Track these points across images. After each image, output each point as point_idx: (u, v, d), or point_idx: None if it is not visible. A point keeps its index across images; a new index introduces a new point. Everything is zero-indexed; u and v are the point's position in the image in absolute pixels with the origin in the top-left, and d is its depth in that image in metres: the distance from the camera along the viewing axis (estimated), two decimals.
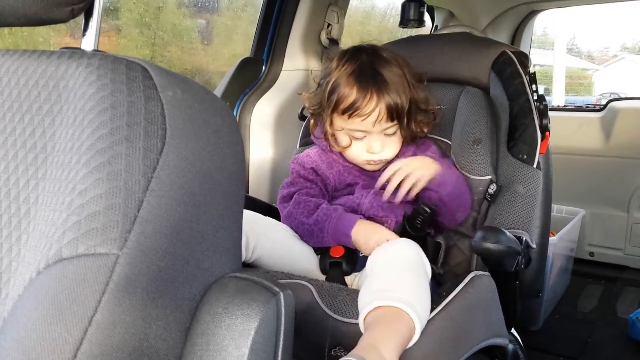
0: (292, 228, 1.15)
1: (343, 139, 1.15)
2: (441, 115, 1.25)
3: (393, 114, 1.08)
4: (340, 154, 1.20)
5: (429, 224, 1.12)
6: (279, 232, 1.13)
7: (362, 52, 1.13)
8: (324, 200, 1.17)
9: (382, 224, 1.13)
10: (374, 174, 1.18)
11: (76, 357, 0.42)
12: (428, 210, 1.08)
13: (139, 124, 0.49)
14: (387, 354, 0.76)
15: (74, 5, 0.56)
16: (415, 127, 1.15)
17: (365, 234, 1.07)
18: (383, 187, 1.10)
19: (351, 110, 1.08)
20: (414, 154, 1.18)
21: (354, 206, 1.15)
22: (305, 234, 1.13)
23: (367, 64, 1.10)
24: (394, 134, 1.13)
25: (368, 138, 1.12)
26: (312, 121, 1.25)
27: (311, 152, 1.25)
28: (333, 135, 1.17)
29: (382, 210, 1.14)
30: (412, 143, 1.19)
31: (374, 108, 1.07)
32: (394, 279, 0.88)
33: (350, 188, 1.20)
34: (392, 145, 1.15)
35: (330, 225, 1.09)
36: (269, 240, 1.08)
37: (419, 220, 1.09)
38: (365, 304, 0.84)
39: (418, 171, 1.07)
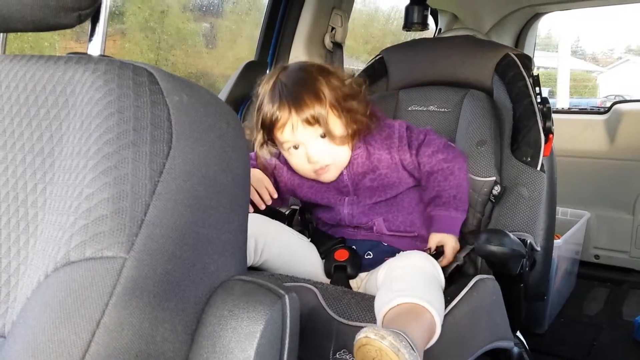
0: None
1: (285, 154, 1.16)
2: (370, 103, 1.19)
3: (310, 119, 1.07)
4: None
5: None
6: (286, 236, 1.14)
7: (277, 70, 1.15)
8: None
9: (371, 228, 1.14)
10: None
11: (84, 359, 0.43)
12: (471, 247, 1.11)
13: (146, 128, 0.50)
14: (416, 341, 0.77)
15: (80, 10, 0.57)
16: (348, 127, 1.12)
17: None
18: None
19: (272, 125, 1.10)
20: (376, 146, 1.16)
21: (338, 219, 1.17)
22: None
23: (279, 80, 1.11)
24: (326, 137, 1.10)
25: (302, 148, 1.11)
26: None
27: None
28: (269, 151, 1.18)
29: (364, 216, 1.14)
30: (357, 139, 1.15)
31: (287, 118, 1.07)
32: (414, 282, 0.90)
33: (312, 194, 1.20)
34: (329, 149, 1.11)
35: None
36: (277, 243, 1.09)
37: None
38: (387, 301, 0.85)
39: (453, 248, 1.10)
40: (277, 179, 1.24)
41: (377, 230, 1.14)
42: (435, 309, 0.84)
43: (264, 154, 1.19)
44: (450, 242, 1.10)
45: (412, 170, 1.16)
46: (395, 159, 1.14)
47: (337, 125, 1.10)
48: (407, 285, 0.88)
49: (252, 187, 1.15)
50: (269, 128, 1.11)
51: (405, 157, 1.15)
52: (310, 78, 1.10)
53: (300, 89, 1.09)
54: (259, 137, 1.15)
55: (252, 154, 1.27)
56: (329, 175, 1.15)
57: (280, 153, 1.21)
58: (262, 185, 1.18)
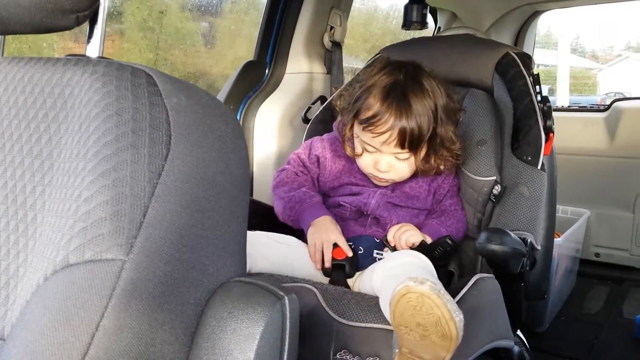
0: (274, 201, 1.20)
1: (357, 146, 1.16)
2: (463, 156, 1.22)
3: (405, 141, 1.07)
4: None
5: (448, 256, 1.12)
6: (274, 249, 1.11)
7: (403, 69, 1.12)
8: (306, 184, 1.21)
9: (385, 224, 1.14)
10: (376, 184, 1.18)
11: None
12: (450, 243, 1.07)
13: (144, 130, 0.50)
14: None
15: (78, 13, 0.57)
16: (434, 162, 1.13)
17: (315, 231, 1.10)
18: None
19: (366, 124, 1.08)
20: (429, 187, 1.19)
21: (361, 205, 1.16)
22: (279, 207, 1.18)
23: (399, 84, 1.09)
24: (406, 159, 1.11)
25: (378, 154, 1.12)
26: (339, 116, 1.23)
27: (328, 137, 1.26)
28: (350, 139, 1.17)
29: (386, 211, 1.15)
30: (428, 176, 1.17)
31: (387, 130, 1.06)
32: (411, 272, 0.89)
33: (345, 187, 1.20)
34: (400, 169, 1.13)
35: (300, 208, 1.14)
36: (266, 260, 1.07)
37: (437, 251, 1.08)
38: (391, 294, 0.80)
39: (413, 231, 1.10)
40: (320, 171, 1.24)
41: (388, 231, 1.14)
42: (439, 283, 0.84)
43: (348, 148, 1.18)
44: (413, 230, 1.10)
45: (436, 198, 1.20)
46: (437, 182, 1.19)
47: (432, 159, 1.12)
48: (406, 275, 0.87)
49: (319, 242, 1.09)
50: (360, 121, 1.10)
51: (443, 187, 1.20)
52: (428, 98, 1.08)
53: (414, 105, 1.06)
54: (351, 124, 1.14)
55: (315, 140, 1.27)
56: (382, 183, 1.17)
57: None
58: (329, 246, 1.08)
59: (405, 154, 1.10)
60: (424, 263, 0.98)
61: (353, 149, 1.17)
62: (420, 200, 1.18)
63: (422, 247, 1.08)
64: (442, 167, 1.15)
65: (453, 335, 0.74)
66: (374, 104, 1.08)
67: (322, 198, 1.23)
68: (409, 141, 1.07)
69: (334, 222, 1.12)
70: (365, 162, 1.15)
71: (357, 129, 1.13)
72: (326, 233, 1.09)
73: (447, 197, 1.21)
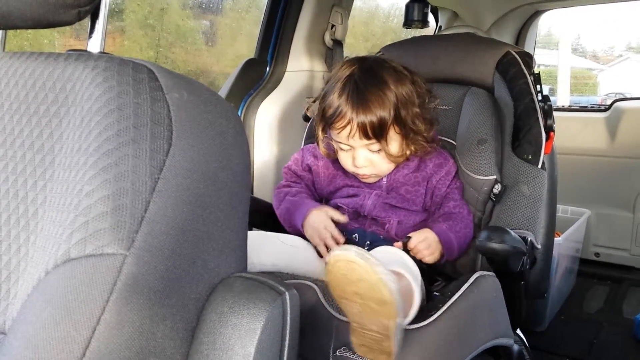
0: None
1: (335, 147, 1.15)
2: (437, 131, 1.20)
3: (367, 131, 1.06)
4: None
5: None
6: (281, 250, 1.11)
7: (358, 62, 1.12)
8: (301, 191, 1.21)
9: (383, 224, 1.14)
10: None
11: (85, 355, 0.43)
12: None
13: (146, 125, 0.50)
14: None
15: (80, 7, 0.57)
16: (405, 149, 1.11)
17: (310, 232, 1.10)
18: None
19: (330, 121, 1.09)
20: (428, 168, 1.17)
21: (357, 207, 1.16)
22: (280, 219, 1.18)
23: (354, 76, 1.08)
24: (379, 151, 1.10)
25: (353, 151, 1.11)
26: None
27: (316, 146, 1.26)
28: (324, 140, 1.17)
29: (384, 212, 1.14)
30: (406, 160, 1.16)
31: (347, 123, 1.06)
32: (383, 259, 0.89)
33: (342, 190, 1.20)
34: (378, 162, 1.12)
35: (290, 216, 1.15)
36: (272, 261, 1.07)
37: (437, 280, 1.09)
38: None
39: (432, 250, 1.08)
40: (314, 178, 1.24)
41: (387, 230, 1.14)
42: (410, 274, 0.85)
43: (321, 147, 1.18)
44: (433, 238, 1.08)
45: (433, 200, 1.18)
46: (432, 184, 1.17)
47: (395, 141, 1.10)
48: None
49: (316, 234, 1.10)
50: (327, 121, 1.10)
51: (440, 188, 1.17)
52: (384, 87, 1.06)
53: (369, 96, 1.05)
54: (322, 125, 1.14)
55: (305, 149, 1.27)
56: (369, 180, 1.16)
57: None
58: (327, 234, 1.10)
59: (375, 144, 1.08)
60: (403, 260, 0.96)
61: (328, 149, 1.17)
62: (417, 204, 1.17)
63: (428, 267, 1.08)
64: (411, 148, 1.12)
65: (388, 299, 0.71)
66: (334, 101, 1.08)
67: (322, 202, 1.23)
68: (371, 130, 1.05)
69: (324, 210, 1.12)
70: (344, 161, 1.14)
71: (328, 129, 1.13)
72: (319, 226, 1.10)
73: (448, 199, 1.18)
